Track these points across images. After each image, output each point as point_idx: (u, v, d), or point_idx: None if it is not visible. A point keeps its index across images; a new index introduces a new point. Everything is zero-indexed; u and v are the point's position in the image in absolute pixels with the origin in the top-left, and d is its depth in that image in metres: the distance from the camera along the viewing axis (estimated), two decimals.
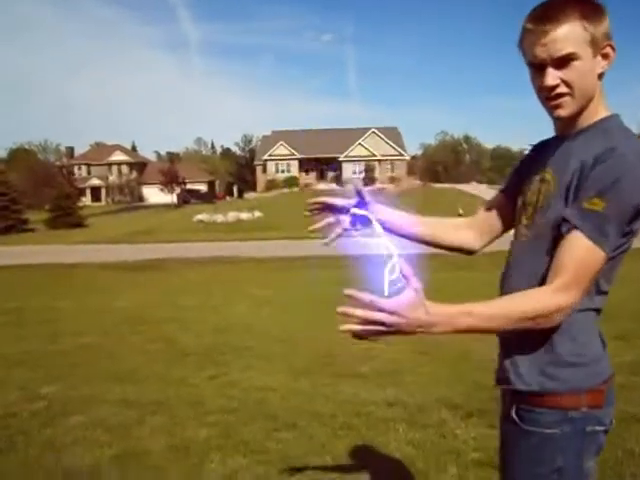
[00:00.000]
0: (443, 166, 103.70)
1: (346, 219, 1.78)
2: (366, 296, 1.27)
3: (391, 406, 4.77)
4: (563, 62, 1.47)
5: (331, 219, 1.82)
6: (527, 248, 1.63)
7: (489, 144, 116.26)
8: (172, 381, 5.71)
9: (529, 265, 1.59)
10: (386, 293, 1.30)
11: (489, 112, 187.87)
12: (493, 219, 1.86)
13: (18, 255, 23.85)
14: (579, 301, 1.45)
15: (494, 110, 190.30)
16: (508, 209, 1.79)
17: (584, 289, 1.45)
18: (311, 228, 1.86)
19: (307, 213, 1.87)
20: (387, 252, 1.36)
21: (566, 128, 1.59)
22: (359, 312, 1.28)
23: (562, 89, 1.50)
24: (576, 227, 1.44)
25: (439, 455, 3.80)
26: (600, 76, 1.53)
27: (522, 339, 1.54)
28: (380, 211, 1.81)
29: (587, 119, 1.56)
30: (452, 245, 1.91)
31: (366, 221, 1.69)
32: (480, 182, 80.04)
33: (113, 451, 4.07)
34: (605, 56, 1.51)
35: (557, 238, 1.50)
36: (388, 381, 5.46)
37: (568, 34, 1.46)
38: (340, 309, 1.28)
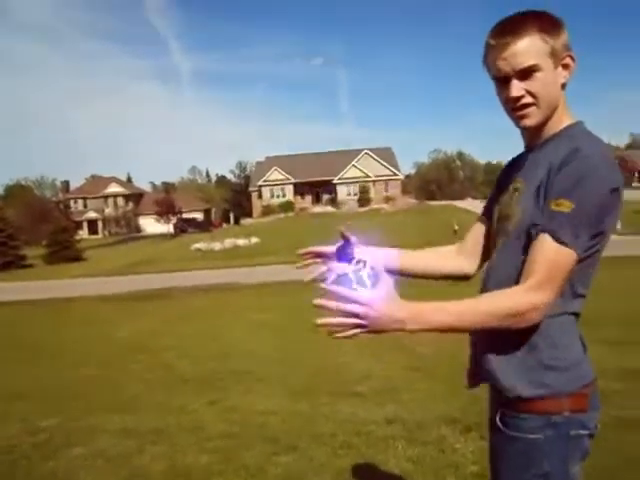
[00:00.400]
0: (437, 184, 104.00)
1: (337, 266, 1.82)
2: (339, 290, 1.39)
3: (390, 424, 4.79)
4: (526, 74, 1.53)
5: (323, 267, 1.89)
6: (501, 254, 1.67)
7: (482, 160, 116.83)
8: (172, 408, 5.72)
9: (503, 269, 1.64)
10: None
11: (481, 128, 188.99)
12: (480, 240, 1.90)
13: (17, 291, 23.84)
14: (552, 301, 1.48)
15: (486, 126, 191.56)
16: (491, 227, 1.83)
17: (556, 289, 1.47)
18: (307, 280, 1.92)
19: (299, 265, 1.95)
20: (357, 259, 1.51)
21: (533, 139, 1.65)
22: (333, 304, 1.36)
23: (527, 99, 1.56)
24: (544, 229, 1.48)
25: (438, 470, 3.82)
26: (563, 86, 1.59)
27: (500, 344, 1.57)
28: (366, 252, 1.78)
29: (553, 128, 1.61)
30: (446, 274, 1.94)
31: (351, 260, 1.69)
32: (475, 198, 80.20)
33: None
34: (565, 66, 1.57)
35: (528, 241, 1.53)
36: (386, 399, 5.48)
37: (529, 47, 1.52)
38: (316, 301, 1.37)
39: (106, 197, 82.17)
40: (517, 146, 1.75)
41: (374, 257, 1.78)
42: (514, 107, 1.58)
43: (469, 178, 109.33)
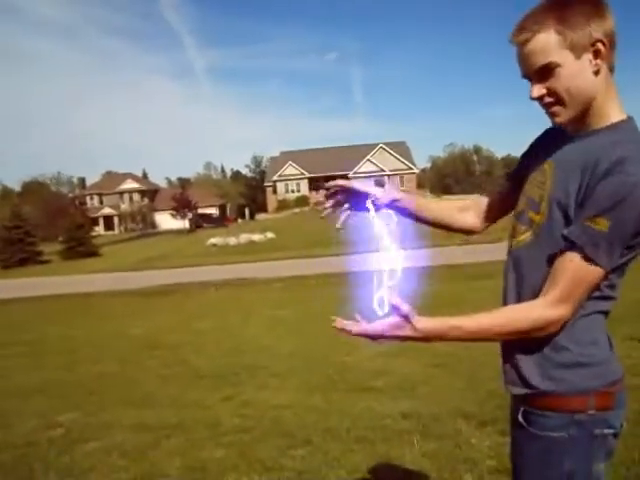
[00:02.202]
0: (453, 178, 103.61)
1: (360, 202, 1.85)
2: (353, 327, 1.51)
3: (406, 418, 4.77)
4: (544, 73, 1.48)
5: (340, 197, 1.91)
6: (525, 256, 1.61)
7: (500, 153, 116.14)
8: (187, 403, 5.74)
9: (542, 263, 1.55)
10: (378, 312, 1.50)
11: (497, 122, 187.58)
12: (499, 204, 1.90)
13: (34, 287, 24.03)
14: (572, 314, 1.47)
15: (503, 119, 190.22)
16: (515, 195, 1.75)
17: (578, 303, 1.47)
18: (323, 215, 1.95)
19: (322, 197, 1.96)
20: (389, 268, 1.53)
21: (574, 128, 1.57)
22: (354, 328, 1.52)
23: (548, 99, 1.50)
24: (575, 244, 1.43)
25: (454, 465, 3.79)
26: (597, 73, 1.48)
27: (526, 342, 1.54)
28: (394, 194, 1.88)
29: (596, 120, 1.52)
30: (455, 227, 1.96)
31: (381, 210, 1.79)
32: None
33: (130, 475, 4.10)
34: (597, 53, 1.46)
35: (556, 250, 1.48)
36: (402, 394, 5.45)
37: (543, 45, 1.45)
38: (336, 323, 1.54)
39: (122, 193, 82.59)
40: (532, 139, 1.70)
41: (405, 207, 1.89)
42: (542, 106, 1.54)
43: (486, 172, 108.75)
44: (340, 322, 1.53)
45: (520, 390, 1.59)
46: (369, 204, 1.76)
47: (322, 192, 1.96)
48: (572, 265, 1.43)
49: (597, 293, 1.50)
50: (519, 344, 1.57)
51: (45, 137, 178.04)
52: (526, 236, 1.61)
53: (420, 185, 72.04)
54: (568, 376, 1.51)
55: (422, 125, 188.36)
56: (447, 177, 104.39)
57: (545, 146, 1.66)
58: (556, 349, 1.52)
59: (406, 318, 1.45)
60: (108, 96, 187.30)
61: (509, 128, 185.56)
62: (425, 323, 1.47)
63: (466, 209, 1.95)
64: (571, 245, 1.43)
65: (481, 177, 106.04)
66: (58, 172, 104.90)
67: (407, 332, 1.47)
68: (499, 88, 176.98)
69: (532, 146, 1.77)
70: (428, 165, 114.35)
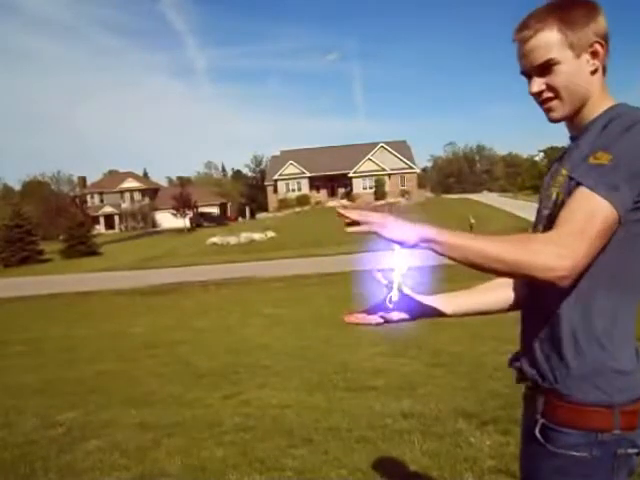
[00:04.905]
0: (454, 177, 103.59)
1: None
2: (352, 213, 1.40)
3: (406, 418, 4.76)
4: (544, 69, 1.51)
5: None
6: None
7: (500, 152, 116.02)
8: (188, 402, 5.74)
9: None
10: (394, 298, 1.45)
11: (498, 121, 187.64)
12: None
13: (35, 286, 24.05)
14: (584, 259, 1.33)
15: (504, 118, 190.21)
16: None
17: (589, 243, 1.32)
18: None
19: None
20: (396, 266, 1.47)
21: (572, 129, 1.60)
22: (355, 212, 1.40)
23: (547, 94, 1.53)
24: (580, 183, 1.37)
25: (455, 464, 3.78)
26: (593, 73, 1.52)
27: (548, 343, 1.48)
28: (424, 305, 1.65)
29: (590, 115, 1.55)
30: (510, 304, 1.74)
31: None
32: (491, 191, 79.74)
33: (130, 474, 4.09)
34: (594, 54, 1.50)
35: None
36: (403, 393, 5.44)
37: (545, 42, 1.49)
38: (339, 209, 1.43)
39: (122, 192, 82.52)
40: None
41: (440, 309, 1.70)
42: (539, 102, 1.56)
43: (486, 171, 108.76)
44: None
45: (540, 400, 1.51)
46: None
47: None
48: (577, 201, 1.36)
49: (621, 282, 1.43)
50: (542, 345, 1.50)
51: (46, 136, 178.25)
52: (542, 225, 1.56)
53: (421, 184, 72.00)
54: (593, 383, 1.42)
55: (423, 124, 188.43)
56: (448, 176, 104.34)
57: (555, 166, 1.62)
58: (580, 353, 1.44)
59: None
60: (109, 95, 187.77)
61: (509, 127, 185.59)
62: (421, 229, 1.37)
63: (503, 282, 1.74)
64: (576, 186, 1.39)
65: (481, 176, 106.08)
66: (59, 171, 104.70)
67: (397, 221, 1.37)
68: (499, 88, 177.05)
69: (545, 180, 1.68)
70: (429, 164, 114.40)
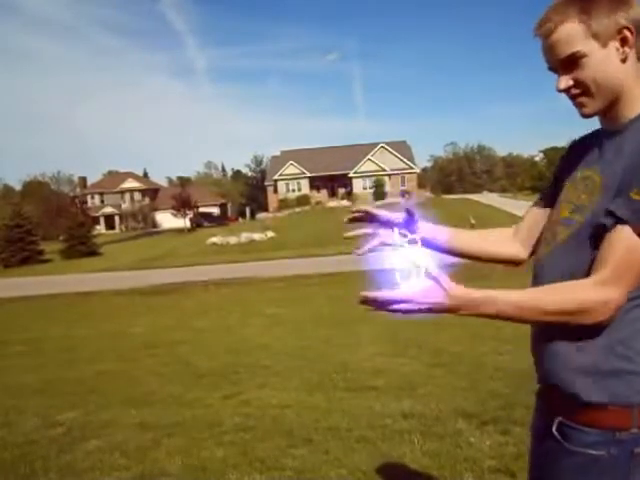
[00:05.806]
0: (454, 177, 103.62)
1: (385, 233, 1.67)
2: (380, 295, 1.29)
3: (406, 418, 4.76)
4: (570, 63, 1.44)
5: (368, 230, 1.73)
6: (562, 249, 1.52)
7: (501, 152, 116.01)
8: (188, 402, 5.73)
9: (564, 266, 1.48)
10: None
11: (499, 120, 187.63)
12: (536, 225, 1.73)
13: (35, 286, 24.06)
14: (624, 299, 1.34)
15: (504, 118, 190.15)
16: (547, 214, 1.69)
17: (630, 284, 1.34)
18: (346, 235, 1.74)
19: (346, 219, 1.78)
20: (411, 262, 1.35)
21: (607, 123, 1.52)
22: (381, 295, 1.29)
23: (575, 90, 1.47)
24: (622, 219, 1.33)
25: (455, 464, 3.78)
26: (624, 61, 1.43)
27: (565, 341, 1.45)
28: (426, 229, 1.71)
29: (628, 110, 1.47)
30: (502, 259, 1.81)
31: (412, 242, 1.51)
32: (491, 191, 79.77)
33: (130, 474, 4.09)
34: (624, 41, 1.42)
35: (599, 236, 1.39)
36: (403, 393, 5.44)
37: (566, 34, 1.43)
38: (362, 293, 1.29)
39: (123, 192, 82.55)
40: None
41: (438, 238, 1.76)
42: (569, 98, 1.50)
43: (487, 171, 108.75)
44: (365, 294, 1.30)
45: (557, 398, 1.50)
46: (396, 236, 1.55)
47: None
48: (622, 241, 1.33)
49: None
50: (557, 344, 1.47)
51: (46, 136, 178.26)
52: (565, 235, 1.52)
53: (421, 185, 72.00)
54: (611, 384, 1.41)
55: (423, 124, 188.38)
56: (448, 176, 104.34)
57: (579, 155, 1.61)
58: (600, 353, 1.42)
59: (439, 283, 1.30)
60: (109, 95, 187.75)
61: (509, 127, 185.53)
62: (460, 290, 1.32)
63: (510, 238, 1.80)
64: (616, 220, 1.34)
65: (481, 176, 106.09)
66: (59, 171, 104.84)
67: (439, 299, 1.30)
68: (499, 88, 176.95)
69: (561, 163, 1.71)
70: (429, 164, 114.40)
